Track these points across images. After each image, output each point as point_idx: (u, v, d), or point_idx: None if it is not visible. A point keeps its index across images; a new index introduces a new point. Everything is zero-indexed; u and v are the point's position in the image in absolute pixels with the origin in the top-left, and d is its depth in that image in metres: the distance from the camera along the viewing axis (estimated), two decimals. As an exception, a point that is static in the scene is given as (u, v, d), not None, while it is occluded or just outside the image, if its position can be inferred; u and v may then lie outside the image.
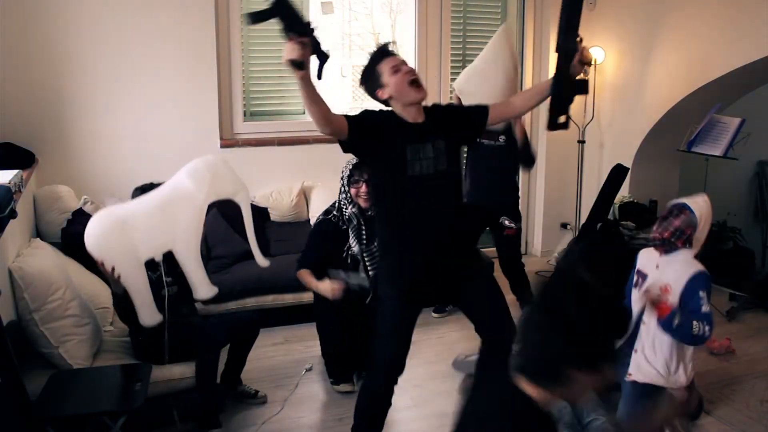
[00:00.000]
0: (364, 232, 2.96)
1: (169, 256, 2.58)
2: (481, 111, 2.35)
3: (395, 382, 2.39)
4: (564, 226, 5.25)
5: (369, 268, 2.96)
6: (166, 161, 4.01)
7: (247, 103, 4.38)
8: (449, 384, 3.16)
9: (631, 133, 4.74)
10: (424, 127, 2.23)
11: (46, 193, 3.49)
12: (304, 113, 4.53)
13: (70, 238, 3.28)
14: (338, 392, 3.08)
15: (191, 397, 2.64)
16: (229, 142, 4.24)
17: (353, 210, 2.96)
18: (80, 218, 3.44)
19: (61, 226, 3.38)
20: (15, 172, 2.59)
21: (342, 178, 2.99)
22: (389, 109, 2.28)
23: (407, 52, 4.98)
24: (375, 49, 2.31)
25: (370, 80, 2.26)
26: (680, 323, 2.51)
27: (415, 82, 2.20)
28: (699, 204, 2.71)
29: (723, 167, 4.60)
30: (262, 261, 2.77)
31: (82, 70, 3.83)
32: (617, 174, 4.21)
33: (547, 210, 5.21)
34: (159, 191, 2.53)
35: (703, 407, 2.85)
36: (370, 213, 2.92)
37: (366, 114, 2.24)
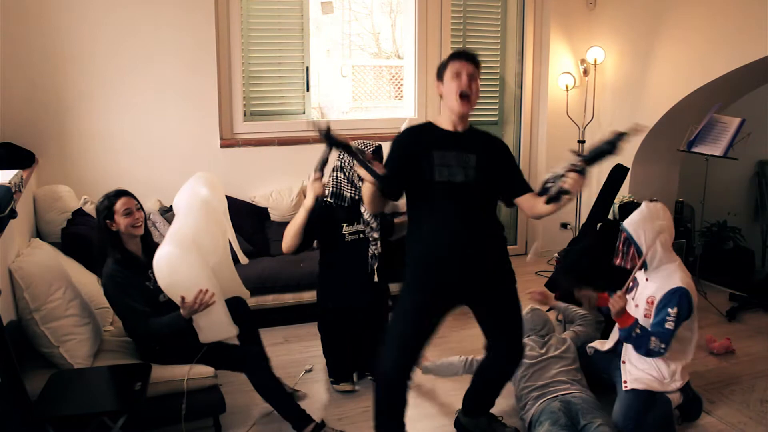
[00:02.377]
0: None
1: None
2: (523, 187, 2.35)
3: (397, 373, 2.32)
4: (564, 226, 5.25)
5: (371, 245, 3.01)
6: (166, 161, 4.02)
7: (247, 103, 4.38)
8: (449, 384, 3.16)
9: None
10: (459, 138, 2.29)
11: (46, 193, 3.49)
12: (304, 113, 4.54)
13: (70, 238, 3.28)
14: (338, 392, 3.08)
15: (193, 398, 2.63)
16: (229, 142, 4.24)
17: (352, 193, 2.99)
18: (80, 218, 3.44)
19: (61, 226, 3.38)
20: (15, 172, 2.59)
21: (340, 160, 3.01)
22: (424, 122, 2.37)
23: (407, 52, 4.98)
24: (461, 49, 2.40)
25: (439, 70, 2.33)
26: (639, 335, 2.59)
27: (463, 95, 2.24)
28: (631, 216, 2.78)
29: (723, 167, 4.60)
30: (242, 258, 2.96)
31: (82, 71, 3.83)
32: (617, 174, 4.21)
33: (547, 210, 5.21)
34: (189, 206, 2.61)
35: (702, 408, 2.85)
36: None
37: (393, 147, 2.30)
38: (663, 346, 2.57)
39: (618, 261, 2.79)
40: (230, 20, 4.17)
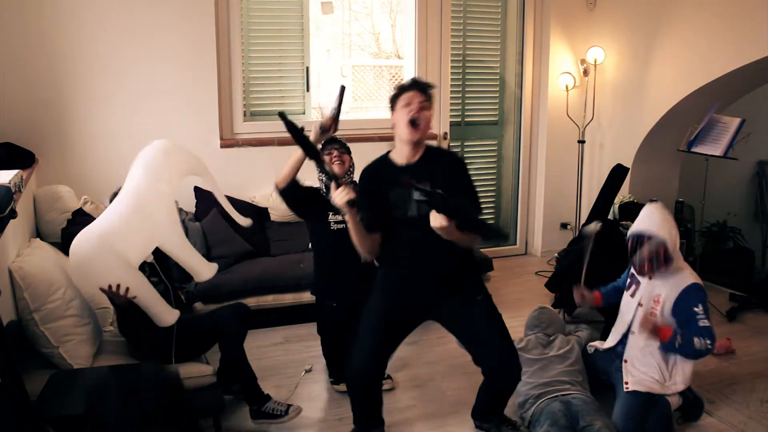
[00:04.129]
0: None
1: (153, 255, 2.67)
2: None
3: (363, 373, 2.46)
4: (564, 226, 5.25)
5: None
6: (166, 161, 4.01)
7: (247, 103, 4.38)
8: (449, 384, 3.16)
9: (631, 133, 4.74)
10: (412, 171, 2.26)
11: (46, 193, 3.49)
12: (304, 113, 4.54)
13: (70, 238, 3.25)
14: (338, 392, 3.08)
15: (192, 397, 2.63)
16: (229, 142, 4.24)
17: (326, 179, 2.96)
18: (80, 218, 3.44)
19: (61, 226, 3.38)
20: (15, 172, 2.59)
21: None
22: (380, 156, 2.42)
23: (407, 52, 4.99)
24: (413, 79, 2.39)
25: (391, 101, 2.36)
26: (682, 342, 2.55)
27: (413, 122, 2.25)
28: (652, 221, 2.69)
29: (723, 167, 4.60)
30: (242, 220, 2.87)
31: (82, 71, 3.83)
32: (617, 174, 4.21)
33: (547, 210, 5.21)
34: (124, 195, 2.47)
35: (703, 409, 2.85)
36: (344, 179, 2.91)
37: (361, 184, 2.44)
38: (708, 342, 2.53)
39: (648, 268, 2.66)
40: (230, 20, 4.17)
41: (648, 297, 2.73)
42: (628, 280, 2.87)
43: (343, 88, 2.71)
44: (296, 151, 2.69)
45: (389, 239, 2.35)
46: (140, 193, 2.45)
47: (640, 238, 2.68)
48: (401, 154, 2.33)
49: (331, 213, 2.96)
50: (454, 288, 2.40)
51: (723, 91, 4.23)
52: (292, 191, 2.81)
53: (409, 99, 2.28)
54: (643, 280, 2.78)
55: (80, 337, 2.57)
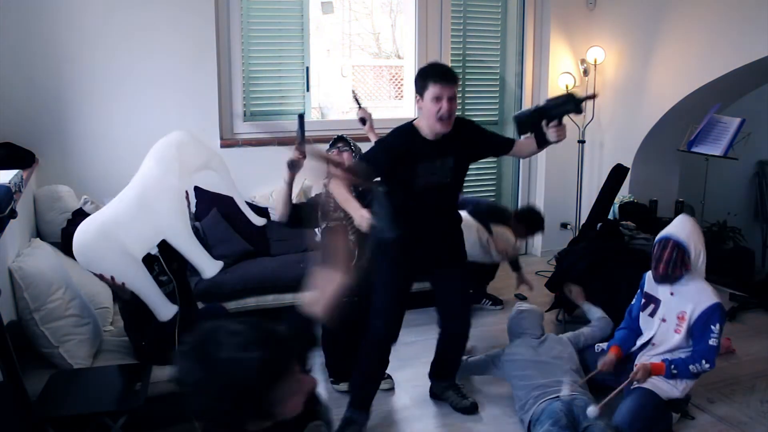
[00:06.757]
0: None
1: (162, 252, 2.68)
2: (506, 144, 2.75)
3: (390, 337, 2.67)
4: (564, 226, 5.25)
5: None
6: (166, 161, 4.01)
7: (247, 103, 4.38)
8: (449, 384, 3.16)
9: (631, 133, 4.74)
10: (440, 144, 2.49)
11: (46, 193, 3.49)
12: (304, 113, 4.53)
13: (70, 238, 3.26)
14: (338, 392, 3.08)
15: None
16: (229, 142, 4.24)
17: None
18: (80, 218, 3.43)
19: (61, 226, 3.38)
20: (15, 172, 2.58)
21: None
22: (407, 124, 2.56)
23: (407, 52, 4.99)
24: (441, 67, 2.51)
25: (419, 86, 2.46)
26: (677, 372, 2.67)
27: (443, 118, 2.40)
28: (680, 226, 2.77)
29: (723, 167, 4.61)
30: (257, 219, 2.91)
31: (82, 71, 3.82)
32: (617, 174, 4.21)
33: (547, 210, 5.19)
34: (131, 186, 2.50)
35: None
36: None
37: (380, 147, 2.59)
38: (708, 365, 2.65)
39: (663, 269, 2.72)
40: (230, 20, 4.16)
41: (672, 314, 2.75)
42: (643, 300, 2.87)
43: (301, 117, 2.78)
44: (281, 184, 2.74)
45: (400, 201, 2.41)
46: (148, 185, 2.47)
47: (666, 240, 2.74)
48: (430, 130, 2.47)
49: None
50: (451, 254, 2.71)
51: (723, 91, 4.23)
52: (295, 219, 2.83)
53: (439, 93, 2.36)
54: (664, 298, 2.78)
55: (80, 337, 2.57)
